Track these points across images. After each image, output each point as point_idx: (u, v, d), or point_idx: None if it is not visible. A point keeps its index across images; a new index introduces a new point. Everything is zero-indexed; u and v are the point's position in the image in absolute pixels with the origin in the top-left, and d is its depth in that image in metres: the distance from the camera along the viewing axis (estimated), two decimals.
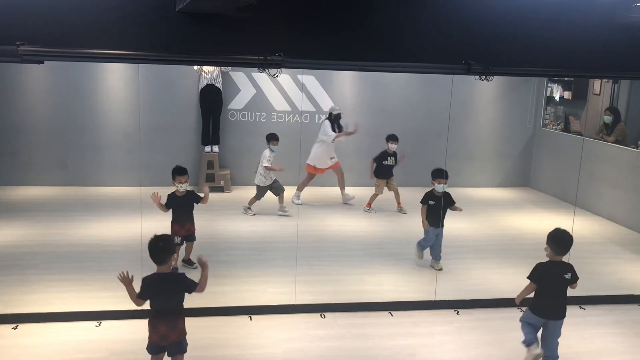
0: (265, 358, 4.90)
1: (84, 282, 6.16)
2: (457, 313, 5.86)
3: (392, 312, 5.78)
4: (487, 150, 11.14)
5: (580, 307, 6.06)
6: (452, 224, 8.15)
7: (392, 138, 9.11)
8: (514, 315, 5.77)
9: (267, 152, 8.62)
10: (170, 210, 6.36)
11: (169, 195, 6.34)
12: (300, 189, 9.58)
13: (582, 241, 7.83)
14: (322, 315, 5.69)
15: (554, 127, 10.89)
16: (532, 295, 4.76)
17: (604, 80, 9.68)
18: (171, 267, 4.29)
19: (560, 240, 4.64)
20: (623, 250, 7.97)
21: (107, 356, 4.83)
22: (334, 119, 9.42)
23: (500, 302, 6.02)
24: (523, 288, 4.74)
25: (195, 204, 6.45)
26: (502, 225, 8.91)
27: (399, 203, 9.28)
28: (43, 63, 4.86)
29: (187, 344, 4.32)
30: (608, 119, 9.40)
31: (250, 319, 5.55)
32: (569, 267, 4.71)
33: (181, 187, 6.28)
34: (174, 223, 6.37)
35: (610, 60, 5.56)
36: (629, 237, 8.55)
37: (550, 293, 4.71)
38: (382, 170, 9.13)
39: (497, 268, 7.05)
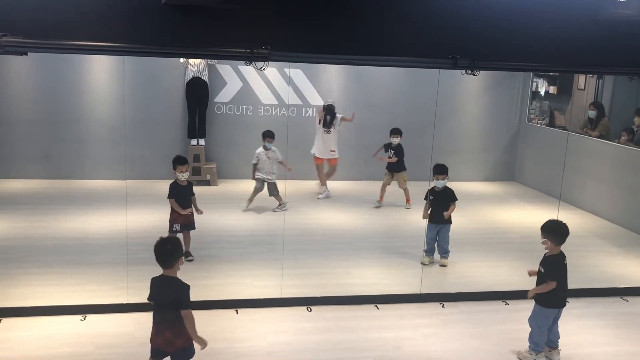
0: (252, 351, 4.90)
1: (69, 275, 6.12)
2: (443, 306, 5.90)
3: (378, 305, 5.81)
4: (472, 145, 11.19)
5: None
6: None
7: (393, 132, 9.07)
8: (499, 308, 5.85)
9: (257, 150, 8.56)
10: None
11: (171, 184, 6.44)
12: (322, 182, 9.65)
13: None
14: (309, 309, 5.70)
15: (539, 121, 10.97)
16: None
17: (588, 75, 9.76)
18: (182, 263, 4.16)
19: (559, 230, 4.82)
20: (606, 243, 8.06)
21: (92, 350, 4.81)
22: (327, 111, 9.46)
23: (485, 295, 6.08)
24: (541, 286, 4.83)
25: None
26: (487, 219, 8.98)
27: (407, 199, 9.22)
28: (26, 54, 4.80)
29: (194, 352, 4.12)
30: (592, 114, 9.48)
31: (237, 313, 5.55)
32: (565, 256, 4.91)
33: (182, 176, 6.36)
34: (174, 210, 6.44)
35: (595, 55, 5.61)
36: (612, 230, 8.65)
37: (564, 283, 4.88)
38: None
39: (482, 261, 7.10)
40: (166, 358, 4.14)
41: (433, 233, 6.82)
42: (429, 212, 6.78)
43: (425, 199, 6.83)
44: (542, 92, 10.95)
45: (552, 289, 4.79)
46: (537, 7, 5.38)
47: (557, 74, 10.38)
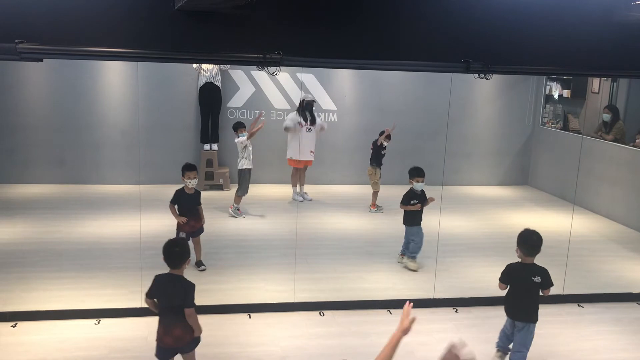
0: (265, 355, 4.91)
1: (83, 280, 6.17)
2: (456, 311, 5.87)
3: (391, 310, 5.79)
4: (486, 149, 11.15)
5: (578, 305, 6.07)
6: (451, 222, 8.18)
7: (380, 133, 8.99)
8: None
9: (239, 139, 8.47)
10: (176, 207, 6.38)
11: (176, 190, 6.39)
12: (294, 184, 9.58)
13: (580, 239, 7.86)
14: (321, 313, 5.70)
15: (552, 125, 10.90)
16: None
17: (602, 78, 9.69)
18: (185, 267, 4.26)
19: (526, 240, 4.63)
20: (621, 248, 7.98)
21: (106, 354, 4.84)
22: (306, 107, 9.33)
23: (499, 300, 5.98)
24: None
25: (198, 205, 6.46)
26: (500, 224, 8.92)
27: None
28: (42, 61, 4.85)
29: (200, 339, 4.29)
30: (607, 117, 9.41)
31: (250, 317, 5.56)
32: (541, 271, 4.65)
33: (190, 182, 6.30)
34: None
35: (609, 58, 5.57)
36: (627, 235, 8.56)
37: (517, 294, 4.70)
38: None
39: (495, 266, 6.99)
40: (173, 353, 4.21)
41: (419, 235, 6.83)
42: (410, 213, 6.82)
43: (404, 203, 6.78)
44: (556, 96, 10.88)
45: (507, 296, 4.73)
46: (550, 10, 5.35)
47: (571, 77, 10.31)
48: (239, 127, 8.49)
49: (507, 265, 4.75)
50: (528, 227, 4.75)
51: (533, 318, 4.66)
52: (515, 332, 4.71)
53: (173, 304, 4.12)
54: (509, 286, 4.73)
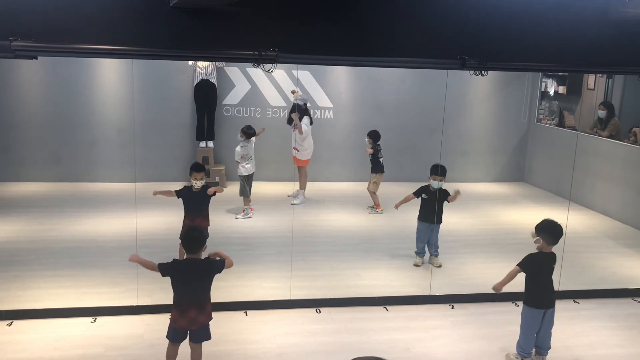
0: (261, 353, 4.91)
1: (79, 278, 6.15)
2: (452, 307, 5.88)
3: (388, 307, 5.80)
4: (481, 145, 11.16)
5: (574, 301, 6.09)
6: (447, 218, 8.18)
7: (368, 135, 8.90)
8: (509, 309, 5.83)
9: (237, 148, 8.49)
10: (183, 204, 6.29)
11: (185, 186, 6.31)
12: (302, 187, 9.44)
13: (576, 235, 7.88)
14: (318, 310, 5.70)
15: (548, 122, 10.92)
16: (512, 289, 4.86)
17: (598, 75, 9.71)
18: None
19: (553, 230, 4.72)
20: (616, 244, 8.00)
21: (102, 352, 4.83)
22: (292, 110, 9.26)
23: (495, 296, 6.01)
24: (505, 275, 4.81)
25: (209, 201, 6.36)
26: (496, 220, 8.94)
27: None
28: (37, 58, 4.85)
29: (210, 334, 4.40)
30: (602, 113, 9.43)
31: (246, 314, 5.56)
32: (555, 257, 4.84)
33: (195, 183, 6.18)
34: (185, 217, 6.29)
35: (605, 55, 5.58)
36: (623, 231, 8.59)
37: (545, 283, 4.79)
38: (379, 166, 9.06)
39: (491, 263, 7.07)
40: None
41: (427, 233, 6.80)
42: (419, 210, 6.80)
43: (416, 195, 6.78)
44: (551, 92, 10.90)
45: (537, 288, 4.76)
46: (545, 7, 5.35)
47: (566, 73, 10.33)
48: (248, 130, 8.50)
49: (530, 255, 4.79)
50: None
51: (555, 301, 4.85)
52: (546, 320, 4.79)
53: (191, 287, 4.24)
54: (525, 275, 4.79)
